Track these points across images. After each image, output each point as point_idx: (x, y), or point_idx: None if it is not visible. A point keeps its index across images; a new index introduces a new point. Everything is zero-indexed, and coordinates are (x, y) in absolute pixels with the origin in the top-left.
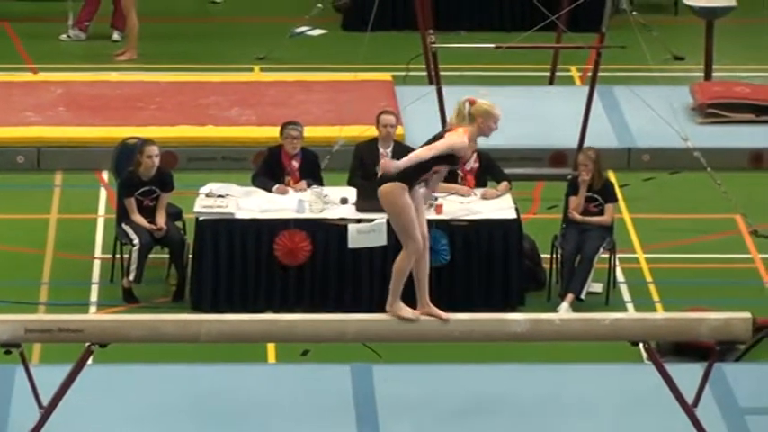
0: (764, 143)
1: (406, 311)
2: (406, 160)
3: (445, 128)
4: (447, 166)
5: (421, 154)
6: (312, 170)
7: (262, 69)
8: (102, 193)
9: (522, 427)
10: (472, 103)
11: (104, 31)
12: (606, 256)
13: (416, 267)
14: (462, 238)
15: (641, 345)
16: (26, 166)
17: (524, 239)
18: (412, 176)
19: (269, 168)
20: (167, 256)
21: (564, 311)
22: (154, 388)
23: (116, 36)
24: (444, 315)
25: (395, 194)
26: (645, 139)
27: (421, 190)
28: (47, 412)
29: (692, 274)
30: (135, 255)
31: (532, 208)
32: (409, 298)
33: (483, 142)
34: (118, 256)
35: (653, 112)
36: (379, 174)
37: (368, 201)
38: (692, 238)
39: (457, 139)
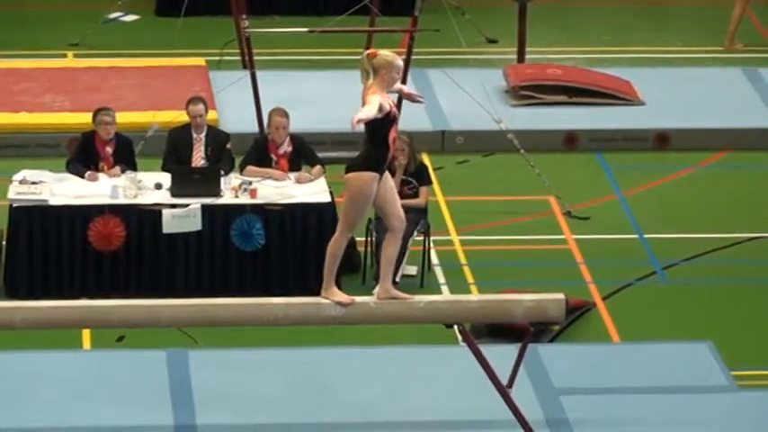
0: (577, 125)
1: (340, 296)
2: (364, 115)
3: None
4: (394, 129)
5: (368, 113)
6: (126, 156)
7: (75, 55)
8: None
9: (338, 411)
10: (373, 55)
11: None
12: (420, 238)
13: (387, 250)
14: (277, 223)
15: (456, 327)
16: None
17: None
18: (381, 162)
19: (83, 154)
20: None
21: None
22: None
23: None
24: (409, 297)
25: (366, 184)
26: (458, 121)
27: (389, 180)
28: None
29: (506, 256)
30: None
31: None
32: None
33: (297, 126)
34: None
35: (466, 95)
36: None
37: (182, 186)
38: (506, 220)
39: (376, 97)
